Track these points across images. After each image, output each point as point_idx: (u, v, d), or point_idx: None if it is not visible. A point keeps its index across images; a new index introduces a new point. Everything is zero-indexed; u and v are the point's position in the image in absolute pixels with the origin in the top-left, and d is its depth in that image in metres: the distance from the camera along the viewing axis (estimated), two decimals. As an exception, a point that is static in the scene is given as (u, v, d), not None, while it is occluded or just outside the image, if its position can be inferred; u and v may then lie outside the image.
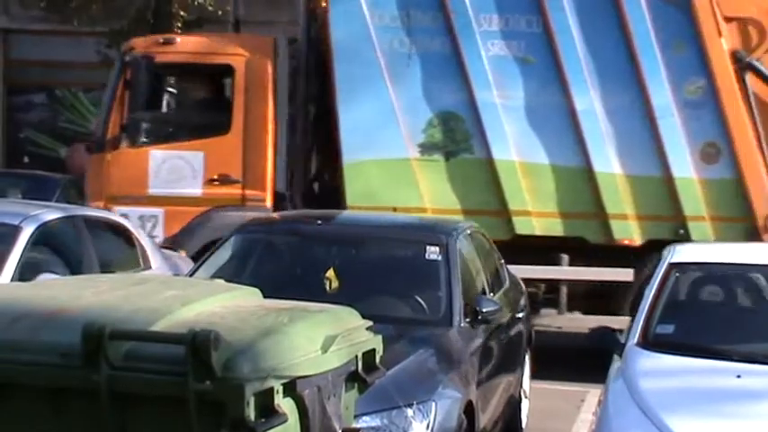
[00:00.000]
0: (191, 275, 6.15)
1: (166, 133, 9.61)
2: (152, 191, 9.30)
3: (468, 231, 6.80)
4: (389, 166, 9.23)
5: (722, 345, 5.17)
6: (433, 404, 4.80)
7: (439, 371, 5.16)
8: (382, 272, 6.32)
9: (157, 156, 9.32)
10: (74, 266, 6.49)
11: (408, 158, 9.21)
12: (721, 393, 4.67)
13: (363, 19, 9.19)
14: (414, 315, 5.81)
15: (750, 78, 9.03)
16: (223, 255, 6.39)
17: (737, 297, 6.06)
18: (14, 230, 6.24)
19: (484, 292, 6.35)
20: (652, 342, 5.19)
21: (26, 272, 5.98)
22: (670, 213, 9.10)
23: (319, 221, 6.92)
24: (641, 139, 9.12)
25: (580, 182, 9.17)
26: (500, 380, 6.31)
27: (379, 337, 3.73)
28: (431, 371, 5.14)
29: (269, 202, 9.30)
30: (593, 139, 9.08)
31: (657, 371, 4.91)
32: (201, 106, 9.98)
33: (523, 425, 7.39)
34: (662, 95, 9.01)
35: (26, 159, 16.96)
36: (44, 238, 6.41)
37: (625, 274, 9.20)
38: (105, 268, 6.70)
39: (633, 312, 5.53)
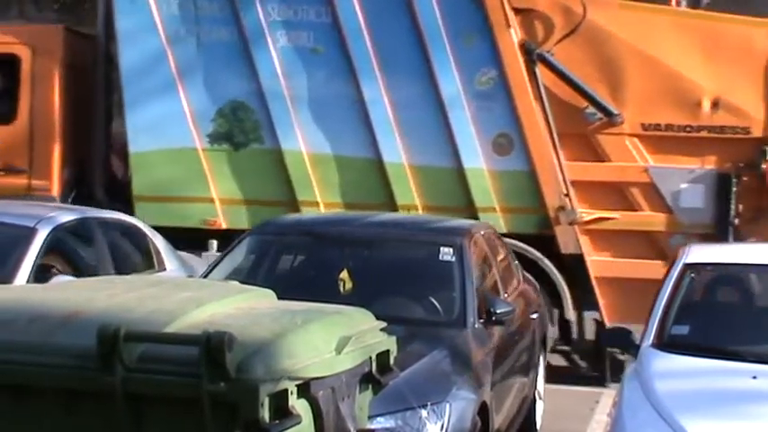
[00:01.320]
0: (204, 277, 6.16)
1: None
2: None
3: (482, 232, 6.80)
4: (177, 157, 9.26)
5: (737, 346, 5.14)
6: (447, 405, 4.80)
7: (453, 372, 5.16)
8: (396, 273, 6.32)
9: None
10: (88, 268, 6.52)
11: (196, 148, 9.23)
12: (737, 394, 4.65)
13: (148, 8, 9.18)
14: (427, 316, 5.81)
15: (540, 70, 9.00)
16: (237, 256, 6.40)
17: (753, 297, 6.03)
18: (30, 233, 6.27)
19: (498, 294, 6.34)
20: (667, 343, 5.17)
21: (41, 274, 6.01)
22: (461, 204, 9.06)
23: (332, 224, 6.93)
24: (432, 130, 9.12)
25: (369, 173, 9.18)
26: (514, 381, 6.30)
27: (393, 339, 3.73)
28: (445, 372, 5.14)
29: (56, 191, 9.38)
30: (382, 130, 9.10)
31: (672, 372, 4.89)
32: (-13, 95, 9.99)
33: (538, 426, 7.38)
34: (452, 86, 9.01)
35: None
36: (59, 240, 6.43)
37: None
38: (120, 270, 6.72)
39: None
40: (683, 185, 8.98)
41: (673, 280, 5.51)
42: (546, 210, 8.98)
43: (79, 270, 6.27)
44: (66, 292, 3.64)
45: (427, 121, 9.12)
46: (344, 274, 5.88)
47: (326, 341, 3.33)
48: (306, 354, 3.19)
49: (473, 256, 6.13)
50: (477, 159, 9.05)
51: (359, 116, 9.14)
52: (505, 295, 6.46)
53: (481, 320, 5.73)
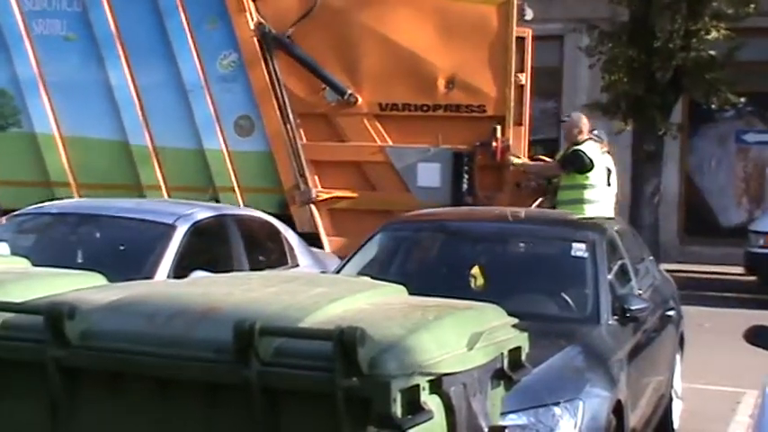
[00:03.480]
0: (337, 272, 6.24)
1: None
2: None
3: (616, 227, 6.68)
4: None
5: None
6: (581, 403, 4.74)
7: (586, 369, 5.09)
8: (528, 269, 6.27)
9: None
10: (224, 264, 6.67)
11: None
12: None
13: None
14: (560, 312, 5.75)
15: (277, 54, 9.26)
16: (369, 252, 6.46)
17: None
18: (169, 229, 6.46)
19: (632, 290, 6.22)
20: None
21: (180, 269, 6.18)
22: (204, 185, 9.25)
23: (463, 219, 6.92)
24: (175, 113, 9.41)
25: (119, 155, 9.54)
26: (650, 379, 6.16)
27: (525, 335, 3.70)
28: (578, 369, 5.07)
29: None
30: (128, 114, 9.48)
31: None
32: None
33: (675, 426, 7.20)
34: (193, 70, 9.34)
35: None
36: (197, 236, 6.61)
37: None
38: (254, 266, 6.86)
39: None
40: (420, 164, 9.13)
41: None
42: (283, 190, 9.27)
43: (216, 266, 6.43)
44: (205, 287, 3.73)
45: (171, 105, 9.44)
46: (476, 270, 5.86)
47: (458, 337, 3.33)
48: (437, 349, 3.19)
49: (606, 251, 6.03)
50: (216, 141, 9.37)
51: (108, 101, 9.55)
52: (640, 292, 6.33)
53: (615, 317, 5.63)
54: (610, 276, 5.87)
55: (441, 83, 9.13)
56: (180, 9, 9.31)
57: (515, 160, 9.26)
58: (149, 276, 5.95)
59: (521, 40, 9.50)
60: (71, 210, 7.20)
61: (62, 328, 3.22)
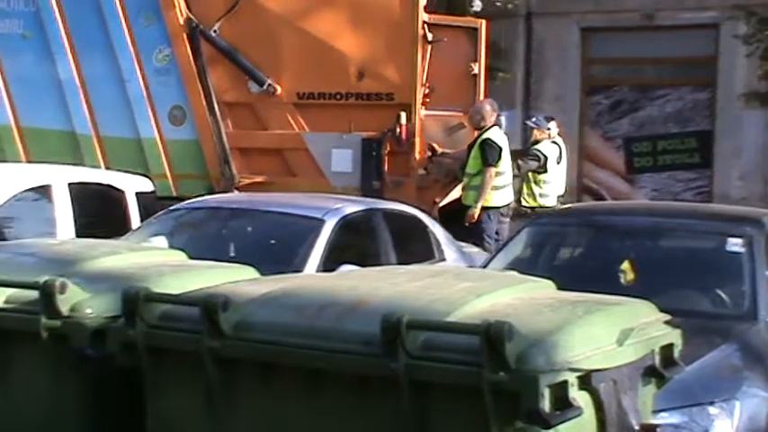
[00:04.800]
0: (484, 267, 6.22)
1: None
2: None
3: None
4: None
5: None
6: (738, 403, 4.58)
7: (743, 368, 4.91)
8: (680, 264, 6.10)
9: None
10: (372, 258, 6.73)
11: None
12: None
13: None
14: (714, 309, 5.57)
15: (204, 46, 9.86)
16: (516, 246, 6.41)
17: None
18: (318, 223, 6.56)
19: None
20: None
21: (328, 263, 6.27)
22: (141, 171, 9.33)
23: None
24: (115, 104, 10.13)
25: (67, 143, 10.27)
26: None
27: (678, 332, 3.61)
28: (734, 367, 4.90)
29: None
30: (74, 105, 10.25)
31: None
32: None
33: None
34: (130, 63, 10.02)
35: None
36: (345, 230, 6.69)
37: None
38: (401, 260, 6.90)
39: None
40: (334, 151, 9.64)
41: None
42: (209, 176, 9.85)
43: (364, 259, 6.50)
44: (354, 280, 3.78)
45: (112, 96, 10.17)
46: (626, 265, 5.74)
47: (608, 333, 3.27)
48: (586, 345, 3.14)
49: (764, 246, 5.81)
50: (150, 130, 10.06)
51: (58, 93, 10.30)
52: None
53: (773, 314, 5.42)
54: (768, 272, 5.66)
55: (352, 72, 9.62)
56: (118, 6, 10.07)
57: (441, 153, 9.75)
58: (299, 270, 6.06)
59: (473, 30, 9.94)
60: (224, 204, 7.41)
61: (217, 319, 3.32)
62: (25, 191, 7.49)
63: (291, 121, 9.85)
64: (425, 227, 7.72)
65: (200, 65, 9.89)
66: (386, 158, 9.52)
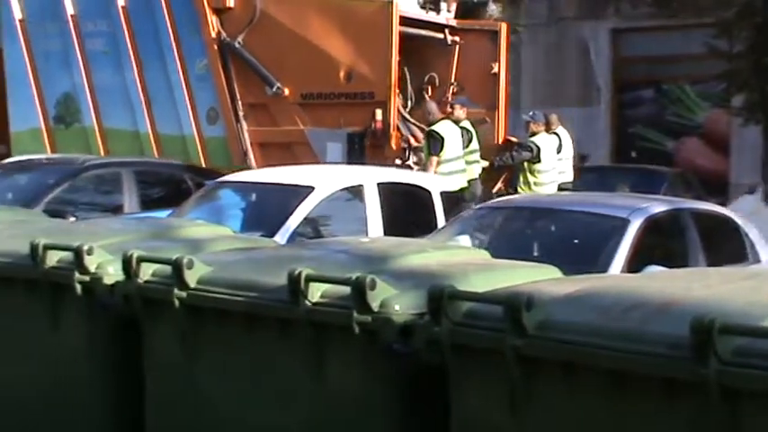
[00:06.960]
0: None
1: None
2: None
3: None
4: (37, 134, 12.75)
5: None
6: None
7: None
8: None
9: None
10: (679, 259, 6.52)
11: (43, 129, 12.70)
12: None
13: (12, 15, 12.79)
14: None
15: (231, 58, 11.55)
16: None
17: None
18: (623, 223, 6.45)
19: None
20: None
21: (634, 263, 6.13)
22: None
23: None
24: (167, 106, 11.90)
25: (134, 140, 12.08)
26: None
27: None
28: None
29: None
30: (137, 107, 12.10)
31: None
32: None
33: None
34: (175, 72, 11.81)
35: (634, 154, 17.40)
36: (651, 230, 6.52)
37: None
38: (711, 262, 6.63)
39: None
40: (328, 144, 11.06)
41: None
42: (233, 168, 10.56)
43: (671, 260, 6.29)
44: (661, 281, 3.67)
45: (164, 99, 11.94)
46: None
47: None
48: None
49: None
50: (191, 128, 11.78)
51: (126, 98, 12.16)
52: None
53: None
54: None
55: (342, 74, 11.07)
56: (168, 24, 11.82)
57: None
58: (603, 270, 5.97)
59: (494, 33, 11.75)
60: (528, 204, 7.44)
61: (520, 317, 3.33)
62: (340, 190, 7.89)
63: (297, 119, 11.39)
64: (738, 227, 7.38)
65: (228, 72, 11.60)
66: (367, 150, 10.91)
